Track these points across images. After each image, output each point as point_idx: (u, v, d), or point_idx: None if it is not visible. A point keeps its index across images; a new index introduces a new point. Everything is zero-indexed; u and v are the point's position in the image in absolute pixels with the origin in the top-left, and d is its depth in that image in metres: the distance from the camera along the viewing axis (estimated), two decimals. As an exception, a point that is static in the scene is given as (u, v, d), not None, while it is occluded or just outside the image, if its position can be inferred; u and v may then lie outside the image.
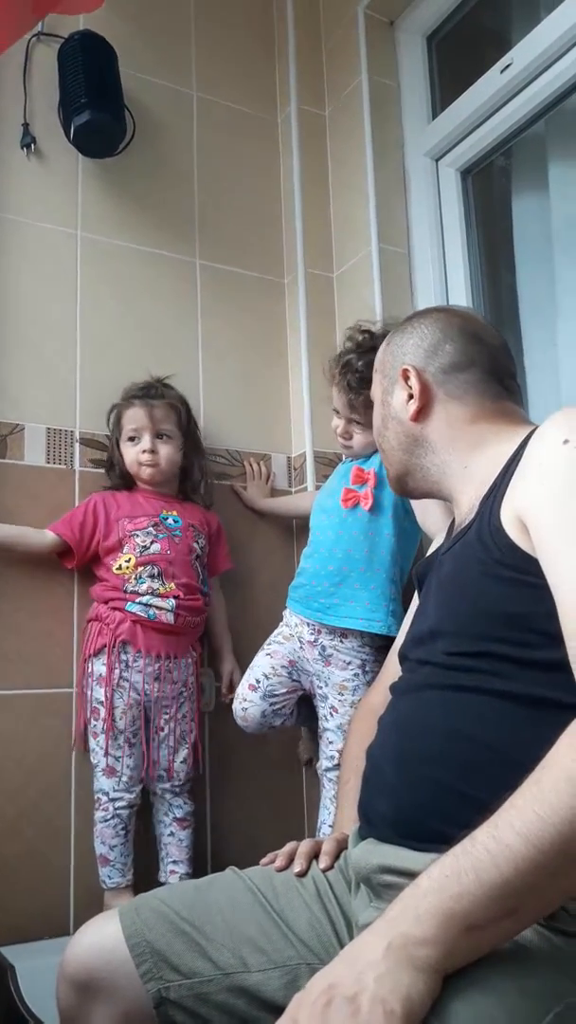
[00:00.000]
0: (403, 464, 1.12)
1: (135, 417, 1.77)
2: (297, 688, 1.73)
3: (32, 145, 1.92)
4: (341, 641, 1.64)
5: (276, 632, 1.75)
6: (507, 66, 1.84)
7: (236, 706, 1.74)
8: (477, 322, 1.12)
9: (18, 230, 1.88)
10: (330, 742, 1.64)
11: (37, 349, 1.85)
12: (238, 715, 1.74)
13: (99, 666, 1.66)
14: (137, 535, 1.71)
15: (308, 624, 1.67)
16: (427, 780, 0.86)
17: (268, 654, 1.73)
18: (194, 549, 1.76)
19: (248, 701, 1.72)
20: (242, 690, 1.74)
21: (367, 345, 1.67)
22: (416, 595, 1.17)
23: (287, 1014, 0.66)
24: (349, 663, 1.63)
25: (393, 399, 1.11)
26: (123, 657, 1.66)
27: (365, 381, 1.70)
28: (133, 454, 1.77)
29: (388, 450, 1.14)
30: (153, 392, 1.80)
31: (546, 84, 1.79)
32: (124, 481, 1.82)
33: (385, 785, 0.92)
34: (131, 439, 1.77)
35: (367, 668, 1.63)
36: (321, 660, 1.65)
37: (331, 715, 1.64)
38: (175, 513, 1.78)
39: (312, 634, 1.66)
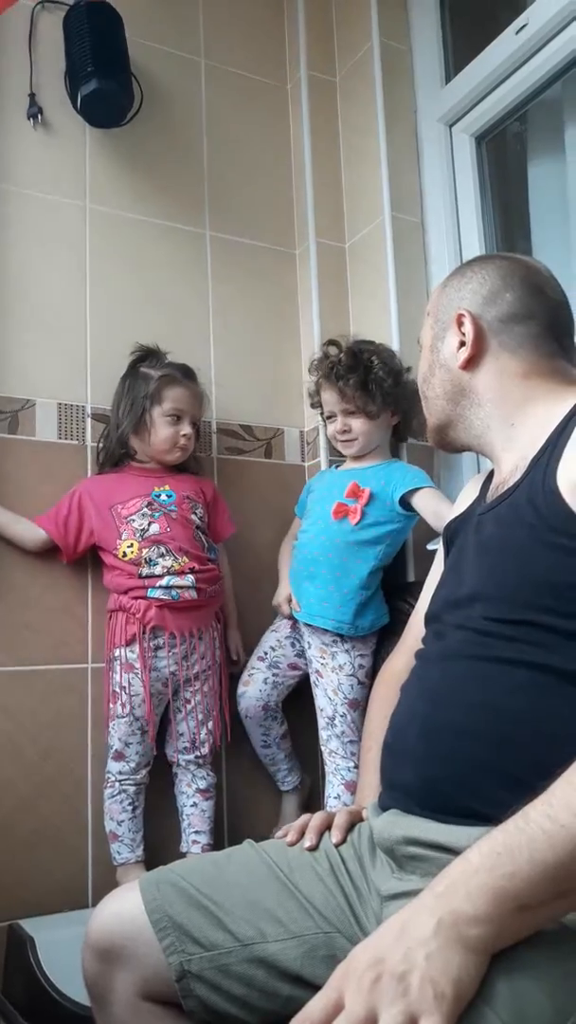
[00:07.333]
0: (446, 414, 1.08)
1: (182, 398, 1.74)
2: (299, 667, 1.80)
3: (39, 115, 1.89)
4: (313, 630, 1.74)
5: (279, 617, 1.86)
6: (522, 27, 1.80)
7: (244, 675, 1.81)
8: (541, 274, 1.07)
9: (25, 202, 1.86)
10: (321, 709, 1.71)
11: (46, 323, 1.83)
12: (241, 682, 1.80)
13: (128, 654, 1.64)
14: (133, 519, 1.69)
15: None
16: (457, 753, 0.84)
17: (273, 630, 1.85)
18: (192, 520, 1.74)
19: (255, 669, 1.80)
20: (251, 661, 1.83)
21: (339, 345, 1.80)
22: (442, 555, 1.14)
23: (331, 984, 0.65)
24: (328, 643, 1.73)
25: (444, 345, 1.07)
26: (154, 642, 1.65)
27: (350, 367, 1.75)
28: (171, 433, 1.73)
29: (432, 398, 1.10)
30: (192, 375, 1.79)
31: (563, 45, 1.75)
32: (123, 454, 1.77)
33: (410, 755, 0.90)
34: (170, 417, 1.73)
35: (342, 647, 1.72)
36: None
37: (318, 680, 1.73)
38: (167, 487, 1.74)
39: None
